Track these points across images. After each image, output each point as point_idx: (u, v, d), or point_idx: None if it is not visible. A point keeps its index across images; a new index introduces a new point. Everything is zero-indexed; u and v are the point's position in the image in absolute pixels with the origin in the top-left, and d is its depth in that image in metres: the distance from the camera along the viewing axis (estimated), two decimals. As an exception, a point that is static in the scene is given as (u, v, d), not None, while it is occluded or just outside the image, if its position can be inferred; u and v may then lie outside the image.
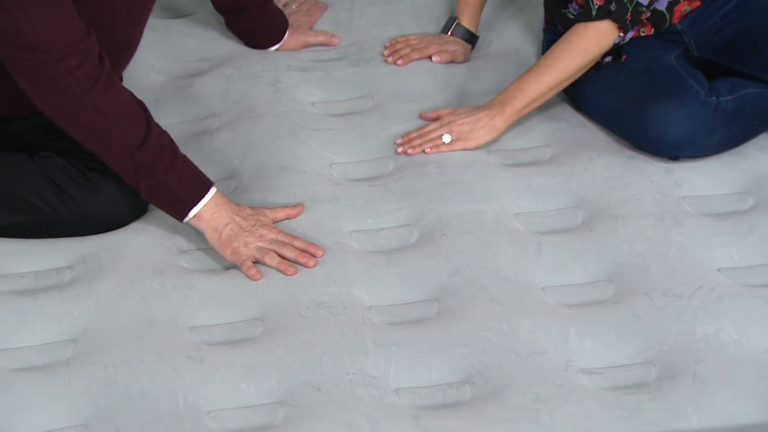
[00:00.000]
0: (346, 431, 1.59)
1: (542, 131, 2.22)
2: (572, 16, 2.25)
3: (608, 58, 2.16)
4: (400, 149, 2.14)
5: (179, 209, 1.89)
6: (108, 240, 1.94)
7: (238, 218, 1.89)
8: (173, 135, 1.99)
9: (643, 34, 2.22)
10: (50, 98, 1.81)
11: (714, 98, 2.09)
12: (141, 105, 1.88)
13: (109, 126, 1.83)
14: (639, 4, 2.08)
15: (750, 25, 2.19)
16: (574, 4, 2.24)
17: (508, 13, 2.58)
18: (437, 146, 2.13)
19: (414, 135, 2.16)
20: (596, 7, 2.07)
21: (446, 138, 2.12)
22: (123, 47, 2.03)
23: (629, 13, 2.08)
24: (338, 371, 1.68)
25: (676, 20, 2.23)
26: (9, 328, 1.79)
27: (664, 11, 2.20)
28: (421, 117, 2.22)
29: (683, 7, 2.21)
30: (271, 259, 1.87)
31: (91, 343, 1.75)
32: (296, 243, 1.90)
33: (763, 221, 1.96)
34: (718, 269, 1.88)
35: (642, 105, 2.10)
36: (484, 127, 2.13)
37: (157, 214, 1.99)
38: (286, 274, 1.86)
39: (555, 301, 1.83)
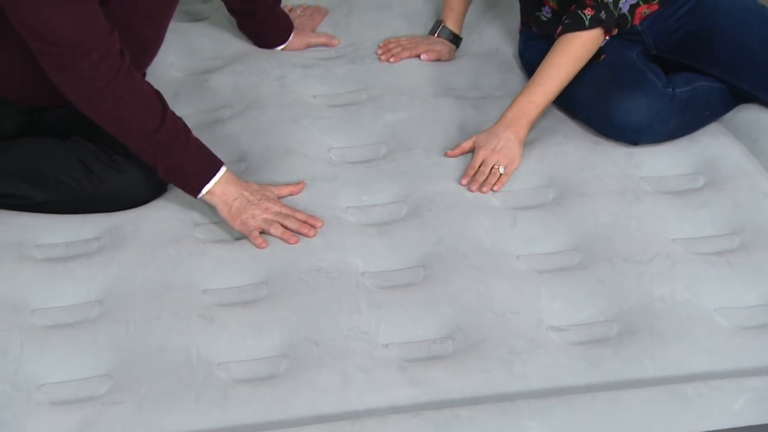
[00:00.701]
0: (340, 380, 1.58)
1: (518, 120, 2.21)
2: (545, 19, 2.24)
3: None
4: (473, 188, 1.97)
5: (193, 186, 1.87)
6: (130, 215, 1.93)
7: (246, 193, 1.88)
8: (190, 123, 1.98)
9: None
10: (75, 89, 1.79)
11: (670, 89, 2.07)
12: (158, 94, 1.86)
13: (128, 113, 1.81)
14: (620, 9, 2.07)
15: (702, 26, 2.18)
16: (546, 7, 2.22)
17: (489, 17, 2.57)
18: (500, 181, 1.99)
19: (471, 173, 1.99)
20: (588, 17, 2.04)
21: (502, 169, 2.00)
22: (146, 47, 2.02)
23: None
24: (334, 328, 1.67)
25: (636, 22, 2.21)
26: (43, 291, 1.78)
27: (627, 13, 2.18)
28: (447, 155, 2.06)
29: (643, 10, 2.20)
30: (276, 230, 1.85)
31: (114, 303, 1.74)
32: (298, 215, 1.89)
33: (712, 198, 1.95)
34: (673, 239, 1.87)
35: (606, 95, 2.08)
36: (514, 143, 2.02)
37: (175, 193, 1.97)
38: (289, 243, 1.84)
39: (528, 268, 1.82)
